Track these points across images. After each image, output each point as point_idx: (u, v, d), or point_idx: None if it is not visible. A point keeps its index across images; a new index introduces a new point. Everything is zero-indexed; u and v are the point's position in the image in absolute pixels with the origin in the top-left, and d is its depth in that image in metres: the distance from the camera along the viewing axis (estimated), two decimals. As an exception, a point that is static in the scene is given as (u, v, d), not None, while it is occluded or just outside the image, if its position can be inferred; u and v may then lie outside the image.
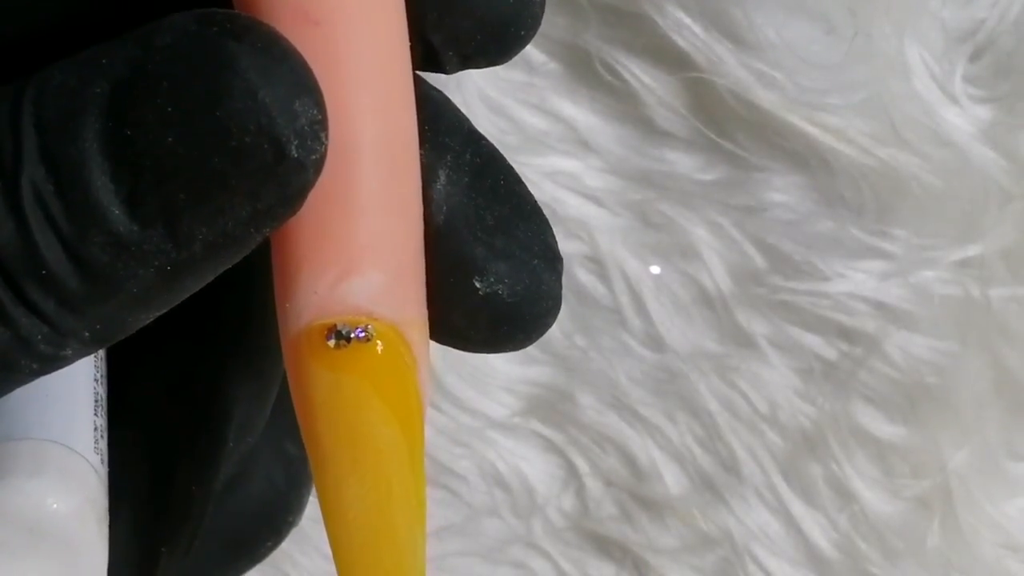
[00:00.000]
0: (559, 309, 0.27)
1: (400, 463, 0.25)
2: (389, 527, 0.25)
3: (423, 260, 0.25)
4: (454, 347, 0.26)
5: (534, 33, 0.26)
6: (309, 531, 0.35)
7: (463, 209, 0.26)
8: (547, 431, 0.46)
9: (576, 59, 0.44)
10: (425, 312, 0.25)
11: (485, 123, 0.44)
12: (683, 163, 0.45)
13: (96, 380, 0.26)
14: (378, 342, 0.24)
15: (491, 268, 0.26)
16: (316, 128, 0.22)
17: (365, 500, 0.25)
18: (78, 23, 0.25)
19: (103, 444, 0.25)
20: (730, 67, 0.43)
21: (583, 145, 0.45)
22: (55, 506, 0.23)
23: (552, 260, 0.27)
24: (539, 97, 0.45)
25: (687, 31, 0.43)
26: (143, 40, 0.22)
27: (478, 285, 0.26)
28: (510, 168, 0.27)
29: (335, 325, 0.24)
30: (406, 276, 0.24)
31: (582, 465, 0.46)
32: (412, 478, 0.25)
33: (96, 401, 0.26)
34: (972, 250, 0.44)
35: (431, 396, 0.26)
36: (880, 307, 0.44)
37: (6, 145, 0.22)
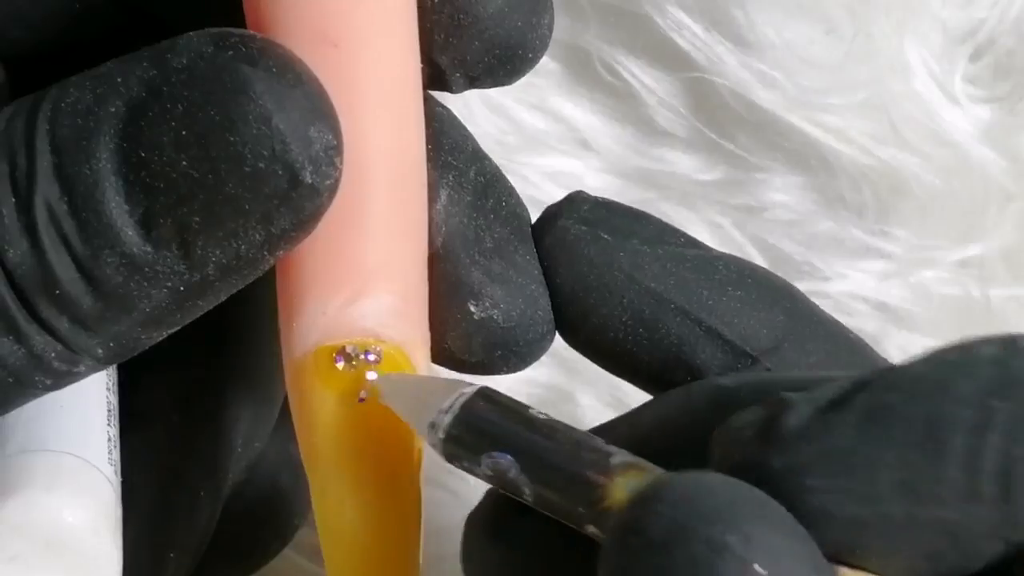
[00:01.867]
0: (555, 333, 0.27)
1: (399, 481, 0.25)
2: (386, 544, 0.25)
3: (427, 281, 0.25)
4: (449, 368, 0.27)
5: (542, 55, 0.26)
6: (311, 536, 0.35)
7: (462, 230, 0.26)
8: (547, 431, 0.46)
9: (576, 59, 0.44)
10: (428, 333, 0.25)
11: (485, 123, 0.44)
12: (683, 163, 0.45)
13: (109, 389, 0.26)
14: (385, 364, 0.24)
15: (487, 292, 0.26)
16: (331, 154, 0.22)
17: (363, 518, 0.25)
18: (93, 35, 0.25)
19: (116, 454, 0.25)
20: (730, 67, 0.43)
21: (583, 145, 0.45)
22: (70, 519, 0.23)
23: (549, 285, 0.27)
24: (539, 97, 0.44)
25: (687, 31, 0.43)
26: (158, 59, 0.22)
27: (473, 309, 0.26)
28: (512, 190, 0.27)
29: (344, 347, 0.24)
30: (412, 298, 0.24)
31: (582, 465, 0.46)
32: (411, 496, 0.25)
33: (109, 411, 0.26)
34: (972, 250, 0.44)
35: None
36: (880, 307, 0.44)
37: (21, 163, 0.22)
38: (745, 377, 0.24)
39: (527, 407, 0.23)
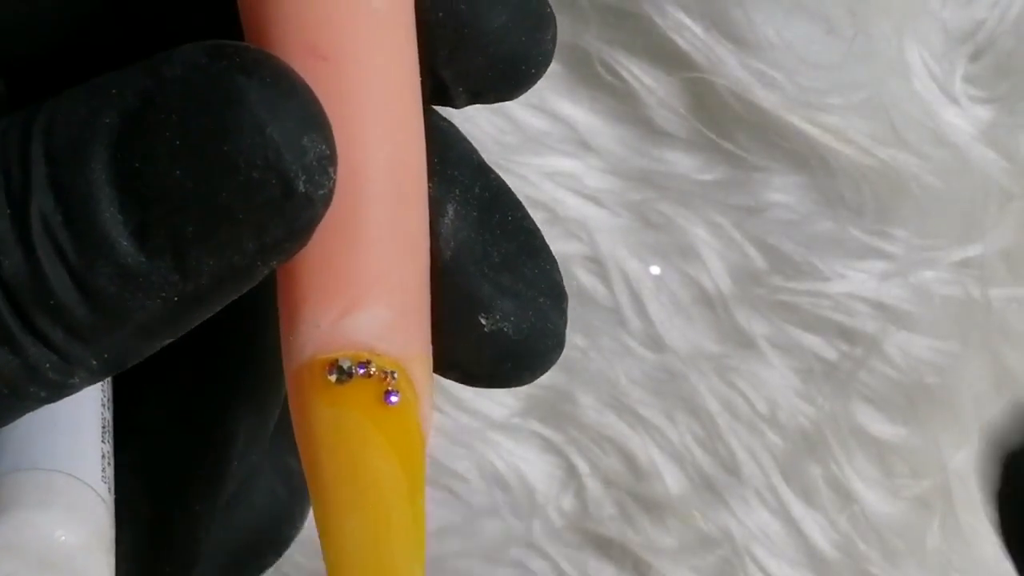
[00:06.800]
0: (563, 347, 0.27)
1: (399, 498, 0.25)
2: (387, 561, 0.25)
3: (428, 295, 0.25)
4: (457, 381, 0.26)
5: (545, 70, 0.25)
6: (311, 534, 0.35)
7: (470, 244, 0.26)
8: (547, 431, 0.46)
9: (576, 59, 0.44)
10: (429, 348, 0.25)
11: (485, 123, 0.44)
12: (683, 163, 0.45)
13: (103, 405, 0.26)
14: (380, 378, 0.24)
15: (497, 305, 0.26)
16: (324, 163, 0.22)
17: (363, 533, 0.25)
18: (90, 47, 0.25)
19: (110, 471, 0.25)
20: (730, 67, 0.43)
21: (583, 145, 0.45)
22: (63, 538, 0.23)
23: (558, 298, 0.27)
24: (539, 97, 0.44)
25: (687, 31, 0.43)
26: (153, 70, 0.22)
27: (484, 322, 0.26)
28: (518, 203, 0.27)
29: (337, 360, 0.23)
30: (411, 311, 0.24)
31: (582, 465, 0.46)
32: (411, 513, 0.25)
33: (103, 427, 0.26)
34: (972, 250, 0.44)
35: (432, 430, 0.26)
36: (880, 307, 0.44)
37: (15, 174, 0.22)
38: None
39: None
